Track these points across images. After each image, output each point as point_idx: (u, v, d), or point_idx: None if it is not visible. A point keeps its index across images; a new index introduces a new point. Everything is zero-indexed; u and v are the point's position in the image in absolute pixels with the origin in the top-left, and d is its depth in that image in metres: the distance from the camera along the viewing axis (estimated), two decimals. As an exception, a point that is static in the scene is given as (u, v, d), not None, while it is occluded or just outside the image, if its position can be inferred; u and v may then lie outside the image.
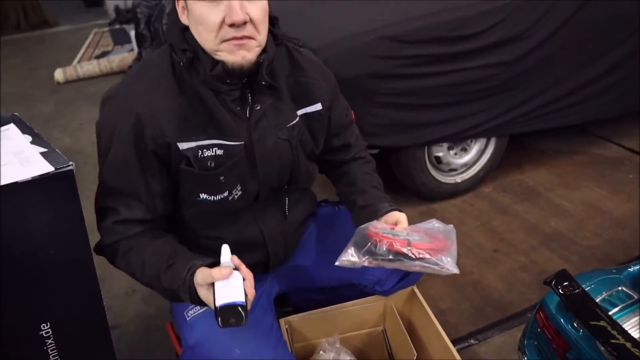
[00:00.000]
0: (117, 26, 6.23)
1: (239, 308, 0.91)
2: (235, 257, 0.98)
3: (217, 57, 1.02)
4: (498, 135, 2.24)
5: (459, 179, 2.32)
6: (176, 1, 1.05)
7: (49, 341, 1.01)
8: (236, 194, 1.12)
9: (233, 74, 1.03)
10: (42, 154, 0.98)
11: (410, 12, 1.94)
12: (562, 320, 1.22)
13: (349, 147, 1.33)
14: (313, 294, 1.43)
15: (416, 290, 1.46)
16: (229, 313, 0.91)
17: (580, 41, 2.11)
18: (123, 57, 4.53)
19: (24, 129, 1.12)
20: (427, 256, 1.02)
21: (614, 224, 2.13)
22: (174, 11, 1.09)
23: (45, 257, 0.95)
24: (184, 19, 1.05)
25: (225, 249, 0.98)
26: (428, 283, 1.88)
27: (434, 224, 1.13)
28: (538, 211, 2.24)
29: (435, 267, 1.03)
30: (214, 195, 1.10)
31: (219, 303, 0.91)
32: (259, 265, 1.29)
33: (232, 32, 0.99)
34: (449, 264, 1.02)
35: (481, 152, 2.30)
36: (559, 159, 2.61)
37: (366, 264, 1.06)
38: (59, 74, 4.40)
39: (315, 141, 1.23)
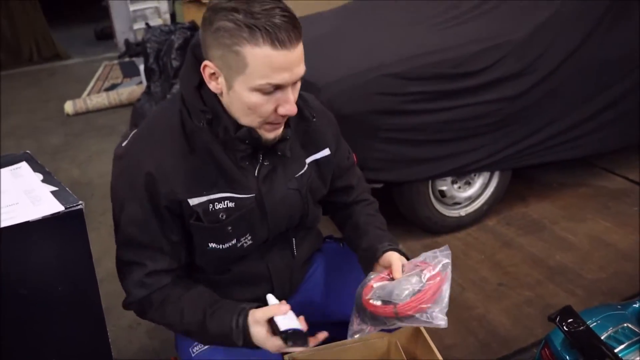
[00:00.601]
0: (127, 59, 6.37)
1: (303, 333, 1.00)
2: (283, 302, 1.05)
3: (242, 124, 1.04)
4: (501, 169, 2.26)
5: (463, 212, 2.33)
6: (203, 67, 1.00)
7: (55, 378, 1.02)
8: (245, 242, 1.14)
9: (257, 143, 1.06)
10: (52, 192, 1.01)
11: (413, 50, 1.99)
12: (567, 357, 1.22)
13: (351, 189, 1.34)
14: (319, 329, 1.43)
15: (421, 327, 1.45)
16: (294, 336, 0.99)
17: (581, 77, 2.15)
18: (132, 89, 4.62)
19: (35, 167, 1.15)
20: (416, 315, 1.03)
21: (619, 257, 2.13)
22: (187, 70, 1.07)
23: (52, 294, 0.96)
24: (213, 85, 1.01)
25: (271, 297, 1.07)
26: (433, 317, 1.88)
27: (428, 254, 1.12)
28: (542, 244, 2.24)
29: (425, 322, 1.03)
30: (222, 244, 1.12)
31: (284, 328, 0.99)
32: (264, 300, 1.30)
33: (279, 119, 1.02)
34: (437, 319, 1.02)
35: (485, 186, 2.32)
36: (562, 192, 2.62)
37: (372, 330, 1.09)
38: (68, 106, 4.49)
39: (324, 185, 1.25)
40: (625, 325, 1.26)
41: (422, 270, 1.06)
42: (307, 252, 1.34)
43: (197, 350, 1.18)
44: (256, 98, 0.97)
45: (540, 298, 1.94)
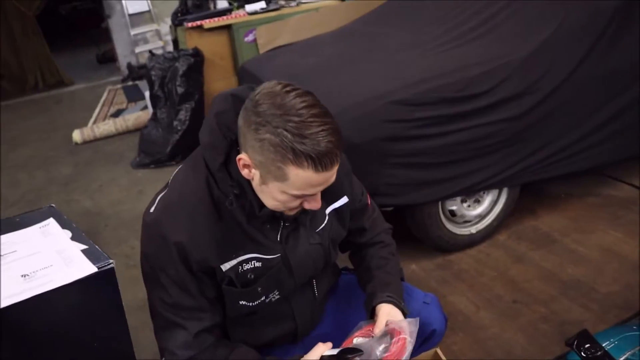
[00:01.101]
0: (130, 83, 6.45)
1: (352, 348, 1.11)
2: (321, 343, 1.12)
3: None
4: (510, 186, 2.29)
5: (473, 229, 2.36)
6: (238, 159, 1.02)
7: None
8: (273, 297, 1.19)
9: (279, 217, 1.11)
10: (83, 251, 1.05)
11: (417, 75, 2.03)
12: (586, 381, 1.24)
13: (363, 231, 1.36)
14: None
15: (439, 352, 1.47)
16: (350, 351, 1.09)
17: (584, 92, 2.18)
18: (138, 115, 4.68)
19: (63, 223, 1.19)
20: None
21: (631, 268, 2.14)
22: (213, 141, 1.07)
23: (90, 350, 1.00)
24: (245, 173, 1.03)
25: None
26: (451, 339, 1.90)
27: (400, 323, 1.16)
28: (554, 258, 2.26)
29: None
30: (252, 302, 1.16)
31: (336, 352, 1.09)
32: (288, 336, 1.34)
33: (302, 209, 1.07)
34: None
35: (494, 203, 2.35)
36: (571, 202, 2.64)
37: None
38: (76, 135, 4.55)
39: (344, 228, 1.29)
40: (641, 347, 1.29)
41: (390, 337, 1.11)
42: (326, 288, 1.38)
43: None
44: (287, 198, 1.02)
45: (555, 314, 1.96)
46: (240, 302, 1.15)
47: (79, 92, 6.69)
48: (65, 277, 0.95)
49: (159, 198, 1.14)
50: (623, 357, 1.27)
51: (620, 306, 1.96)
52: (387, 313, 1.19)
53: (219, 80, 4.07)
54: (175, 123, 3.78)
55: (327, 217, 1.23)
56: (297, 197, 1.02)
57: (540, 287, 2.11)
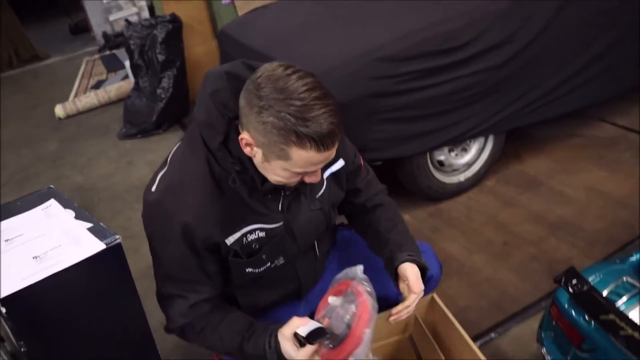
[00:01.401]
0: (108, 52, 6.31)
1: (322, 329, 1.10)
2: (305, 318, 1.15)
3: None
4: (495, 133, 2.33)
5: (462, 177, 2.42)
6: (240, 138, 1.03)
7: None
8: (278, 262, 1.24)
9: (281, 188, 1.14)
10: (89, 229, 1.09)
11: (400, 31, 2.03)
12: (574, 314, 1.31)
13: (358, 192, 1.40)
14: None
15: (436, 297, 1.56)
16: (315, 334, 1.09)
17: (564, 37, 2.20)
18: (119, 86, 4.62)
19: (64, 203, 1.21)
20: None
21: (616, 205, 2.23)
22: (211, 121, 1.08)
23: (107, 323, 1.06)
24: (247, 151, 1.05)
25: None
26: (446, 283, 1.99)
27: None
28: (541, 200, 2.34)
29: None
30: (258, 269, 1.21)
31: (305, 333, 1.08)
32: (292, 295, 1.41)
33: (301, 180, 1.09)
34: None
35: (481, 150, 2.40)
36: (556, 145, 2.70)
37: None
38: (59, 110, 4.49)
39: (343, 190, 1.33)
40: (624, 279, 1.36)
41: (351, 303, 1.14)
42: (327, 248, 1.43)
43: None
44: (289, 174, 1.04)
45: (544, 253, 2.05)
46: (247, 270, 1.21)
47: (56, 66, 6.53)
48: (76, 256, 0.99)
49: (159, 177, 1.16)
50: (607, 290, 1.35)
51: (605, 242, 2.05)
52: (412, 273, 1.26)
53: (199, 45, 4.01)
54: (158, 91, 3.74)
55: (325, 182, 1.26)
56: (298, 173, 1.05)
57: (529, 228, 2.20)
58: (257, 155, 1.05)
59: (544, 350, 1.44)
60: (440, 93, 2.03)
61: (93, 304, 1.03)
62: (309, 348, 1.08)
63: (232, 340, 1.17)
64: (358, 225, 1.46)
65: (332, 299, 1.16)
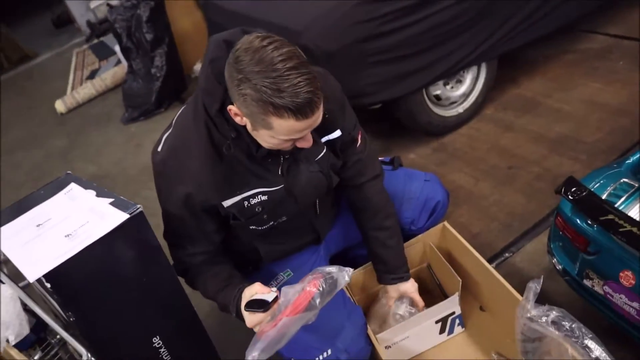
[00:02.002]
0: (95, 40, 6.29)
1: (265, 301, 1.12)
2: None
3: None
4: (486, 60, 2.34)
5: (460, 109, 2.45)
6: (229, 109, 1.08)
7: (162, 350, 1.23)
8: (280, 221, 1.32)
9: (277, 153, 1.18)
10: (111, 204, 1.17)
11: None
12: (577, 220, 1.38)
13: (344, 165, 1.40)
14: (359, 249, 1.62)
15: (447, 225, 1.64)
16: (254, 304, 1.14)
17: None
18: (114, 72, 4.64)
19: (84, 185, 1.29)
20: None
21: (614, 114, 2.25)
22: (209, 87, 1.11)
23: (141, 284, 1.15)
24: (238, 120, 1.09)
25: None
26: (457, 212, 2.06)
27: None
28: (540, 120, 2.37)
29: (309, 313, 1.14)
30: (261, 227, 1.30)
31: (254, 297, 1.15)
32: (312, 241, 1.49)
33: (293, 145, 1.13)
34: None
35: (475, 79, 2.42)
36: (550, 63, 2.71)
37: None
38: (59, 105, 4.54)
39: (339, 158, 1.36)
40: (622, 180, 1.41)
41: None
42: (328, 205, 1.50)
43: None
44: (278, 141, 1.09)
45: (548, 171, 2.10)
46: (251, 227, 1.30)
47: (47, 63, 6.54)
48: (104, 228, 1.08)
49: (164, 137, 1.24)
50: (606, 193, 1.41)
51: (606, 151, 2.09)
52: (393, 295, 1.48)
53: (185, 18, 3.99)
54: (153, 71, 3.77)
55: (325, 147, 1.31)
56: (287, 140, 1.09)
57: (531, 149, 2.24)
58: (247, 124, 1.09)
59: (554, 260, 1.51)
60: (425, 28, 2.04)
61: (126, 269, 1.12)
62: (254, 316, 1.13)
63: (212, 288, 1.28)
64: (347, 202, 1.51)
65: (287, 288, 1.18)
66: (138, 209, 1.11)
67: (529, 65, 2.73)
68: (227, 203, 1.22)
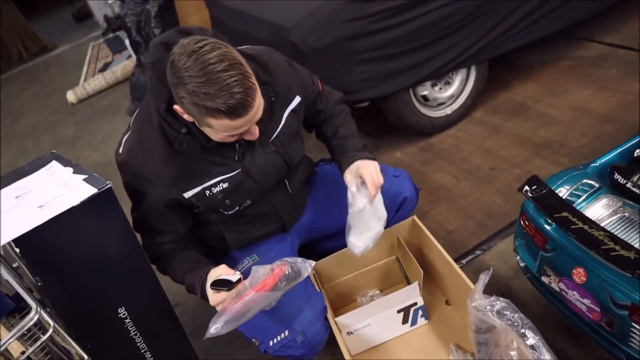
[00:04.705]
0: (111, 34, 6.43)
1: (228, 281, 1.21)
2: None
3: None
4: (476, 63, 2.38)
5: (449, 110, 2.49)
6: (175, 109, 1.14)
7: (127, 320, 1.30)
8: (245, 204, 1.38)
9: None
10: (84, 180, 1.24)
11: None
12: (537, 218, 1.42)
13: (319, 113, 1.53)
14: (330, 241, 1.68)
15: (416, 220, 1.68)
16: (219, 283, 1.22)
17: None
18: (124, 65, 4.76)
19: (64, 162, 1.38)
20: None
21: (600, 121, 2.27)
22: (154, 89, 1.18)
23: (107, 256, 1.22)
24: (186, 117, 1.14)
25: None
26: (435, 210, 2.11)
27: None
28: (528, 124, 2.40)
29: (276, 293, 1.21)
30: (227, 212, 1.37)
31: (219, 277, 1.23)
32: (278, 229, 1.55)
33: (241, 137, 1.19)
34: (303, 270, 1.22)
35: (464, 82, 2.45)
36: (544, 69, 2.73)
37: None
38: (70, 96, 4.68)
39: (300, 120, 1.43)
40: (584, 181, 1.45)
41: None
42: (300, 181, 1.55)
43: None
44: (223, 136, 1.15)
45: (529, 173, 2.08)
46: (219, 210, 1.36)
47: (65, 54, 6.73)
48: (73, 201, 1.15)
49: (124, 140, 1.32)
50: (567, 193, 1.44)
51: (588, 156, 2.10)
52: (355, 171, 1.40)
53: (194, 15, 4.07)
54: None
55: (283, 120, 1.36)
56: (229, 135, 1.15)
57: (514, 152, 2.27)
58: (194, 120, 1.15)
59: (518, 257, 1.55)
60: (414, 28, 2.09)
61: (93, 241, 1.19)
62: (218, 295, 1.21)
63: (180, 271, 1.36)
64: (319, 137, 1.59)
65: (257, 267, 1.25)
66: (107, 185, 1.18)
67: (522, 70, 2.76)
68: (187, 194, 1.29)
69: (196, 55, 1.02)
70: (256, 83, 1.08)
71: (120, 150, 1.31)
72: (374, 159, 1.43)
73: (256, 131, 1.18)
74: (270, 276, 1.21)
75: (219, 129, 1.11)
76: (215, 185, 1.30)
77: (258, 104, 1.10)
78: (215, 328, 1.17)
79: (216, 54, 1.03)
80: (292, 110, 1.39)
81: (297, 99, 1.39)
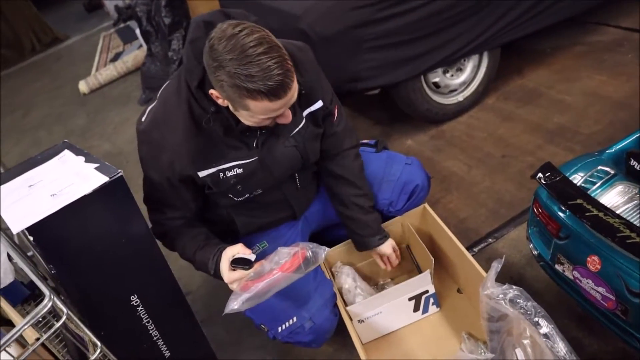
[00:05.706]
0: (122, 25, 6.45)
1: (248, 260, 1.24)
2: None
3: None
4: (489, 49, 2.35)
5: (461, 97, 2.46)
6: (210, 93, 1.14)
7: (139, 308, 1.31)
8: (256, 193, 1.38)
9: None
10: (96, 168, 1.25)
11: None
12: (551, 205, 1.40)
13: (326, 136, 1.47)
14: (340, 229, 1.68)
15: (427, 207, 1.68)
16: (239, 261, 1.25)
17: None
18: (135, 55, 4.77)
19: (76, 151, 1.38)
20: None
21: (614, 107, 2.23)
22: (189, 65, 1.17)
23: (120, 244, 1.23)
24: (220, 101, 1.15)
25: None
26: (446, 199, 2.09)
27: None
28: (540, 111, 2.37)
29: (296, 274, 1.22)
30: (237, 198, 1.36)
31: (237, 256, 1.26)
32: (288, 217, 1.55)
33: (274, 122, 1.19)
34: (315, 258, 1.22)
35: (476, 68, 2.42)
36: (557, 55, 2.69)
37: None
38: (82, 86, 4.70)
39: (320, 127, 1.42)
40: (599, 168, 1.43)
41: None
42: (309, 176, 1.55)
43: None
44: (258, 120, 1.15)
45: (542, 161, 2.06)
46: (229, 195, 1.36)
47: (76, 45, 6.76)
48: (85, 189, 1.16)
49: (148, 109, 1.31)
50: (582, 179, 1.42)
51: (601, 143, 2.08)
52: (387, 252, 1.57)
53: (204, 5, 4.07)
54: (170, 54, 3.87)
55: (304, 120, 1.36)
56: (265, 118, 1.15)
57: (527, 139, 2.24)
58: (228, 105, 1.16)
59: (531, 245, 1.53)
60: (422, 16, 2.06)
61: (105, 228, 1.20)
62: (235, 273, 1.23)
63: (190, 248, 1.36)
64: (325, 174, 1.57)
65: (282, 248, 1.26)
66: (119, 173, 1.19)
67: (535, 56, 2.72)
68: (202, 173, 1.29)
69: (236, 38, 1.03)
70: (293, 66, 1.09)
71: (143, 119, 1.30)
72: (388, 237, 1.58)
73: (289, 115, 1.18)
74: (294, 257, 1.22)
75: (256, 112, 1.11)
76: (230, 169, 1.30)
77: (295, 87, 1.11)
78: (236, 303, 1.19)
79: (255, 37, 1.04)
80: (312, 112, 1.38)
81: (319, 104, 1.37)
